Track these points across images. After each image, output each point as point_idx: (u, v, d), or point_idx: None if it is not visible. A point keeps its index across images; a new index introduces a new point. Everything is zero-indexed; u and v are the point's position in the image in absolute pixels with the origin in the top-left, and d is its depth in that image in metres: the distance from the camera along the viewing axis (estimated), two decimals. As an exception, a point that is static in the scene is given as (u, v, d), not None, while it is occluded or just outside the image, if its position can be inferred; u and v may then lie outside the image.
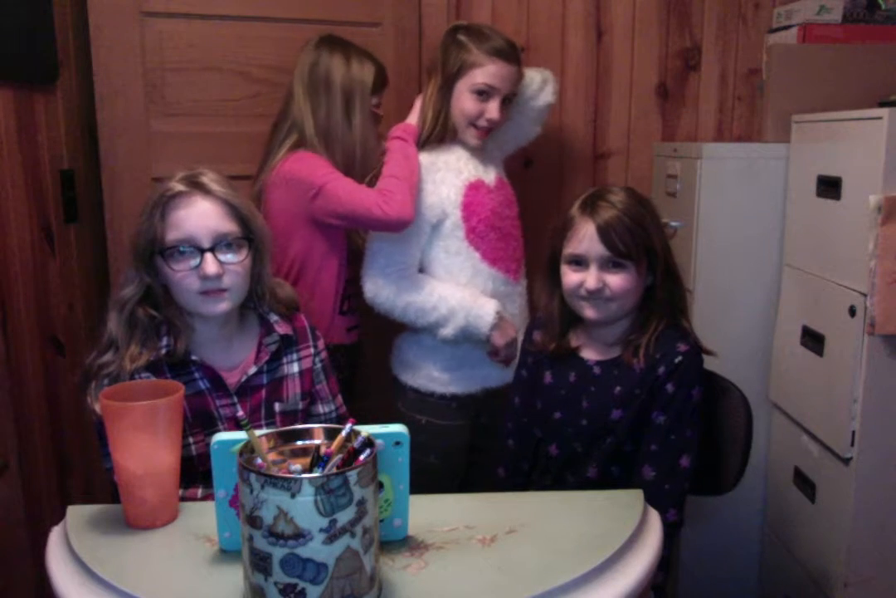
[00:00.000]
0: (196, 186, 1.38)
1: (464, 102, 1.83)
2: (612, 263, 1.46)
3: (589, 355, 1.55)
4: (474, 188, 1.84)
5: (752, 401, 1.53)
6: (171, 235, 1.36)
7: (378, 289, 1.80)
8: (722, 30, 2.35)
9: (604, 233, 1.44)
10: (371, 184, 1.80)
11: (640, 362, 1.46)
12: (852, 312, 1.65)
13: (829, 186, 1.77)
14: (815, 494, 1.83)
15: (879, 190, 1.58)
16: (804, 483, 1.88)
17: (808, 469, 1.87)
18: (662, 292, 1.50)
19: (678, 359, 1.44)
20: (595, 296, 1.46)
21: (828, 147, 1.80)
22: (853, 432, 1.67)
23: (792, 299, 1.95)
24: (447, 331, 1.79)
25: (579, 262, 1.48)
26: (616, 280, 1.46)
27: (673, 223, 2.14)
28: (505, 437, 1.67)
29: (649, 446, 1.45)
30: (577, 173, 2.38)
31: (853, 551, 1.70)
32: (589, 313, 1.49)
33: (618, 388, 1.48)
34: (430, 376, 1.87)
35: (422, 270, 1.86)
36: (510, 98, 1.88)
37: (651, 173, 2.38)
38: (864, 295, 1.62)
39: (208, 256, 1.35)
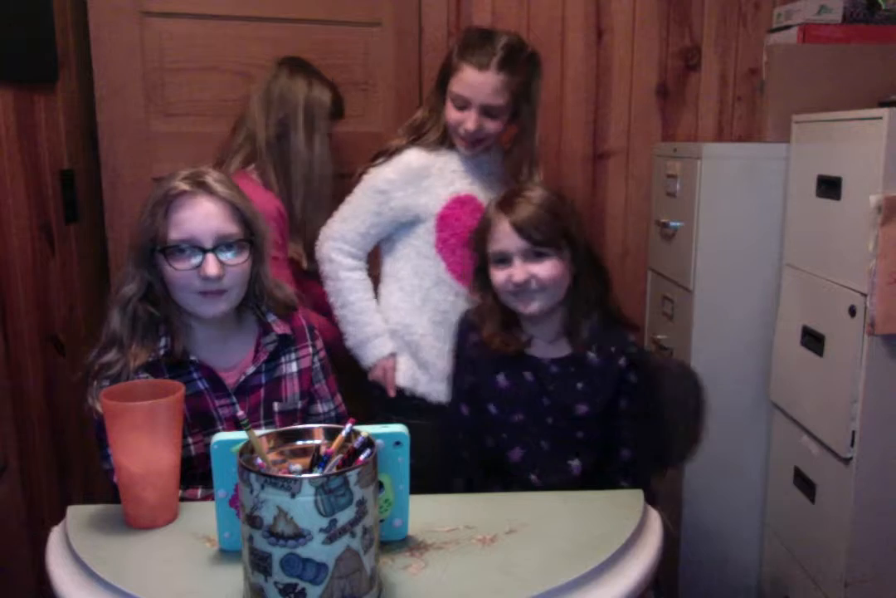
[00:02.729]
0: (201, 185, 1.38)
1: (448, 108, 1.79)
2: (533, 253, 1.49)
3: (540, 353, 1.56)
4: (460, 202, 1.82)
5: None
6: (174, 235, 1.36)
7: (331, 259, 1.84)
8: (722, 30, 2.35)
9: (519, 227, 1.48)
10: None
11: (597, 357, 1.52)
12: (852, 312, 1.65)
13: (829, 186, 1.77)
14: (815, 494, 1.83)
15: (879, 190, 1.58)
16: (804, 483, 1.88)
17: (808, 469, 1.87)
18: (589, 281, 1.54)
19: (633, 348, 1.55)
20: (524, 289, 1.49)
21: (828, 147, 1.80)
22: (853, 432, 1.67)
23: (792, 299, 1.95)
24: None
25: (503, 259, 1.51)
26: (541, 269, 1.48)
27: (672, 223, 2.14)
28: (458, 448, 1.61)
29: (621, 431, 1.53)
30: (577, 173, 2.38)
31: (853, 551, 1.70)
32: (523, 307, 1.51)
33: (580, 383, 1.52)
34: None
35: (393, 266, 1.87)
36: (492, 111, 1.74)
37: (651, 173, 2.38)
38: (864, 295, 1.62)
39: (210, 256, 1.35)
